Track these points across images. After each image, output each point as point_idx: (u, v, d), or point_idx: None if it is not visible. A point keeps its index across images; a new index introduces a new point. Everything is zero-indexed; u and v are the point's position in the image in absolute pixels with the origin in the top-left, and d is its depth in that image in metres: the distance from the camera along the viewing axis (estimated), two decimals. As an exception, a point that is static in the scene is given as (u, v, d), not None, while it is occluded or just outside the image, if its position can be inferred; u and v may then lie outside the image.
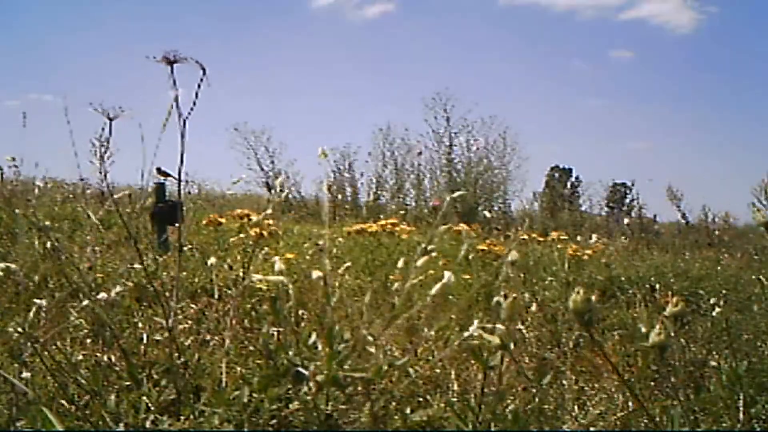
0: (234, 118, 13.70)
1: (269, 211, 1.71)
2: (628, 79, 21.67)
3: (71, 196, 6.38)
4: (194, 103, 1.41)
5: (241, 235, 2.15)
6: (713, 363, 2.12)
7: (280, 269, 1.23)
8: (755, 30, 19.70)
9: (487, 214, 10.39)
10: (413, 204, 13.25)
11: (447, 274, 1.23)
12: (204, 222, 3.25)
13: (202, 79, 1.38)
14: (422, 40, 21.73)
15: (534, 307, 1.32)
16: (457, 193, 1.45)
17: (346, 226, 5.11)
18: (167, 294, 1.59)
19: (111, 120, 1.40)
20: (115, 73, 17.80)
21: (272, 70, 21.17)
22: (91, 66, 19.12)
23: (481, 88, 20.99)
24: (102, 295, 1.50)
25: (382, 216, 9.18)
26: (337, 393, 1.27)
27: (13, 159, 5.97)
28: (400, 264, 1.31)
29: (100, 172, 1.42)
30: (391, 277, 1.28)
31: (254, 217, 2.44)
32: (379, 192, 13.41)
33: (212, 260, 1.68)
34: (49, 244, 1.45)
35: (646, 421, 1.60)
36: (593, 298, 1.07)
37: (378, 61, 21.45)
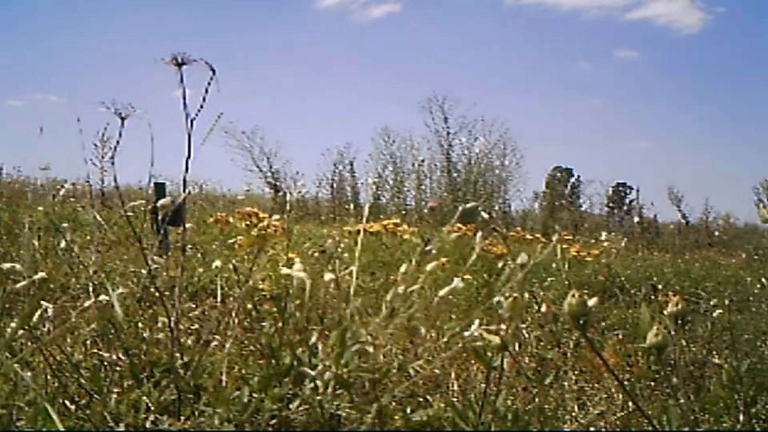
0: (236, 118, 13.73)
1: (278, 215, 1.71)
2: (632, 79, 21.71)
3: (72, 197, 6.38)
4: (204, 99, 1.41)
5: (241, 237, 2.15)
6: (714, 362, 2.13)
7: (299, 269, 1.24)
8: (762, 30, 19.69)
9: (485, 216, 10.37)
10: (413, 204, 13.27)
11: (456, 280, 1.24)
12: (212, 220, 3.24)
13: (210, 80, 1.38)
14: (428, 40, 21.78)
15: (544, 308, 1.33)
16: (470, 204, 1.46)
17: (347, 226, 5.11)
18: (169, 294, 1.59)
19: (123, 120, 1.40)
20: (117, 73, 17.84)
21: (277, 70, 21.24)
22: (95, 66, 19.16)
23: (486, 88, 21.08)
24: (103, 297, 1.50)
25: (382, 216, 9.18)
26: (340, 393, 1.27)
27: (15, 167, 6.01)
28: (402, 269, 1.32)
29: (102, 172, 1.42)
30: (393, 278, 1.28)
31: (262, 216, 2.43)
32: (379, 192, 13.42)
33: (217, 263, 1.68)
34: (63, 244, 1.45)
35: (646, 421, 1.60)
36: (594, 300, 1.06)
37: (383, 62, 21.51)
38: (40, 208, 2.58)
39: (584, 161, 24.46)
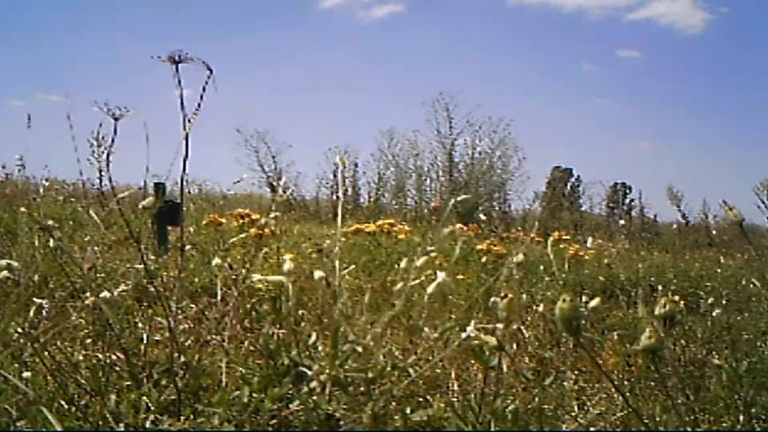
0: (239, 118, 13.75)
1: (273, 213, 1.71)
2: (635, 79, 21.69)
3: (72, 197, 6.38)
4: (200, 102, 1.41)
5: (242, 235, 2.15)
6: (714, 362, 2.12)
7: (288, 269, 1.24)
8: (764, 31, 19.66)
9: (483, 217, 10.38)
10: (413, 204, 13.26)
11: (440, 274, 1.22)
12: (204, 222, 3.25)
13: (207, 80, 1.37)
14: (430, 40, 21.79)
15: (541, 307, 1.32)
16: (460, 198, 1.45)
17: (346, 226, 5.11)
18: (167, 294, 1.59)
19: (116, 120, 1.39)
20: (120, 73, 17.85)
21: (279, 70, 21.26)
22: (96, 66, 19.17)
23: (488, 89, 21.10)
24: (103, 295, 1.50)
25: (382, 216, 9.18)
26: (339, 393, 1.27)
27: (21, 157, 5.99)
28: (402, 264, 1.31)
29: (100, 172, 1.41)
30: (390, 277, 1.28)
31: (254, 217, 2.43)
32: (380, 192, 13.41)
33: (216, 261, 1.68)
34: (52, 243, 1.44)
35: (646, 421, 1.60)
36: (596, 301, 1.04)
37: (386, 62, 21.52)
38: (22, 209, 2.57)
39: (584, 161, 24.45)
